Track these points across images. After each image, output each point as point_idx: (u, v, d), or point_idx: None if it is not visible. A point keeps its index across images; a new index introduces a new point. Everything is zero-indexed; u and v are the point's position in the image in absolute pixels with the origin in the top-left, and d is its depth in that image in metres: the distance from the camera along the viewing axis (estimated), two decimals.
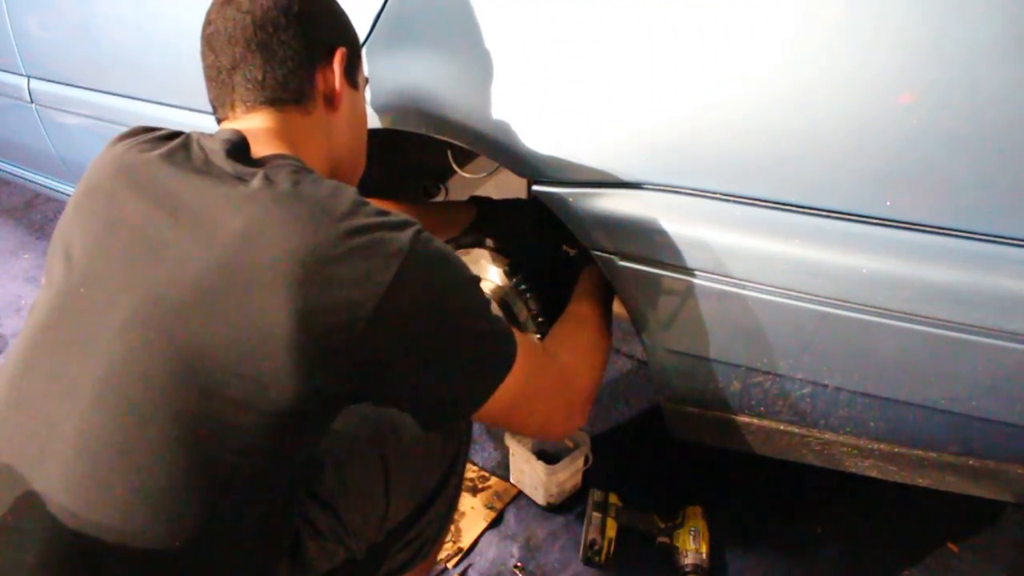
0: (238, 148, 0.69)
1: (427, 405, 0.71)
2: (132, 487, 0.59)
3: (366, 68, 0.96)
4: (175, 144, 0.70)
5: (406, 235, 0.64)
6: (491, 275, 1.13)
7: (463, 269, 0.69)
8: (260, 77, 0.74)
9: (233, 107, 0.76)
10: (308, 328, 0.59)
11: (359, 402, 0.69)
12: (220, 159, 0.66)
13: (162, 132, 0.73)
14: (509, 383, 0.71)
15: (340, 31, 0.82)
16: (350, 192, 0.65)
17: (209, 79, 0.78)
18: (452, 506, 0.96)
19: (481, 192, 1.32)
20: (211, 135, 0.71)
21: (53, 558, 0.59)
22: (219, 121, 0.79)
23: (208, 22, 0.77)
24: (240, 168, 0.65)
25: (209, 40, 0.76)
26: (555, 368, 0.81)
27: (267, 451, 0.63)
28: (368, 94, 0.97)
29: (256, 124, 0.74)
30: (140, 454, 0.59)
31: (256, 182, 0.63)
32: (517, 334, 0.74)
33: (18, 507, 0.60)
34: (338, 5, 0.84)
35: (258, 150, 0.71)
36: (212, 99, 0.79)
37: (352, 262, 0.60)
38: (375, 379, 0.65)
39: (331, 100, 0.79)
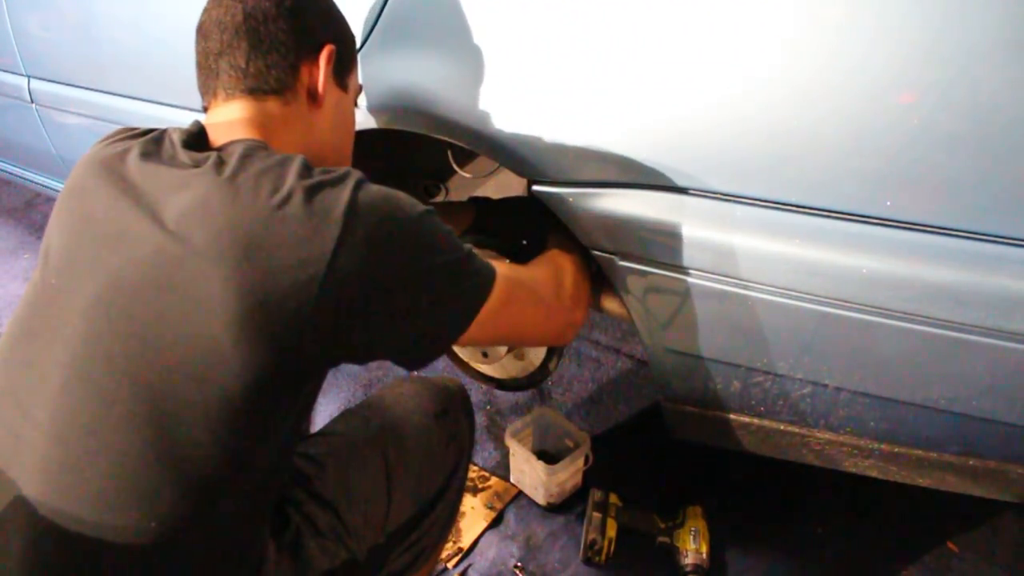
0: (194, 137, 0.72)
1: (406, 349, 0.71)
2: (102, 468, 0.60)
3: (366, 69, 0.96)
4: (148, 139, 0.72)
5: (347, 187, 0.64)
6: None
7: (413, 205, 0.69)
8: (244, 64, 0.75)
9: (216, 94, 0.77)
10: (257, 297, 0.60)
11: (335, 365, 0.70)
12: (180, 149, 0.69)
13: (139, 130, 0.76)
14: (488, 304, 0.72)
15: (332, 31, 0.83)
16: (296, 160, 0.66)
17: (198, 66, 0.79)
18: (454, 511, 0.96)
19: (481, 192, 1.32)
20: (181, 128, 0.73)
21: (35, 545, 0.59)
22: (205, 110, 0.80)
23: (204, 10, 0.79)
24: (195, 156, 0.68)
25: (202, 27, 0.78)
26: (529, 277, 0.82)
27: (236, 427, 0.63)
28: (364, 99, 0.97)
29: (234, 113, 0.76)
30: (108, 434, 0.60)
31: (207, 165, 0.66)
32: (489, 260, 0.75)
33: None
34: (335, 6, 0.84)
35: (226, 137, 0.72)
36: (199, 86, 0.80)
37: (295, 225, 0.61)
38: (345, 337, 0.65)
39: (314, 96, 0.80)
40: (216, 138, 0.73)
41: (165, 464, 0.61)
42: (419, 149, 1.12)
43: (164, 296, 0.61)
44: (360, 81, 0.92)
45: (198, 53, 0.79)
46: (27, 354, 0.66)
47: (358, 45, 0.96)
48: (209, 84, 0.78)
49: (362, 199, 0.65)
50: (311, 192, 0.63)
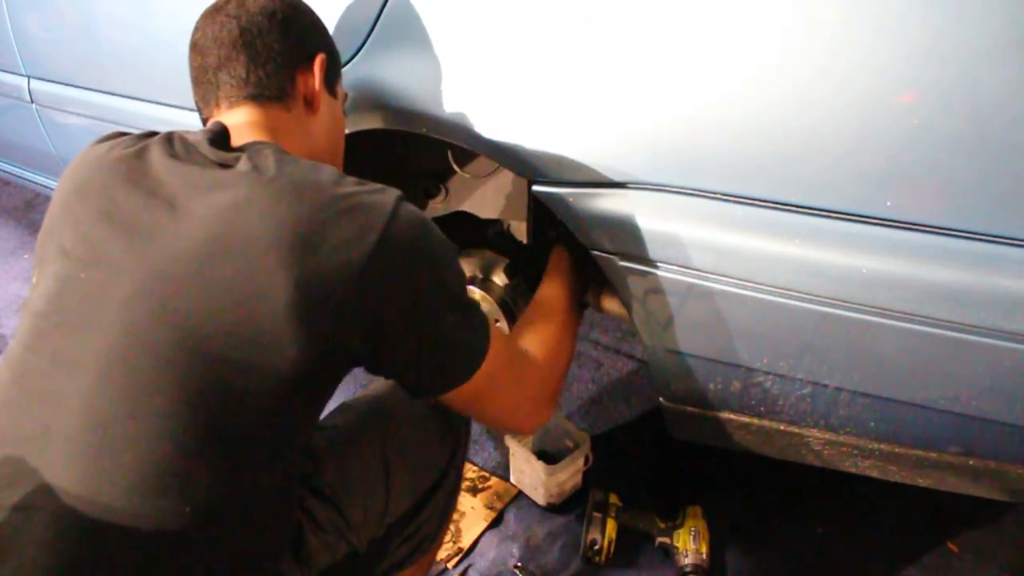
0: (219, 137, 0.73)
1: (415, 371, 0.73)
2: (141, 453, 0.61)
3: (366, 72, 0.96)
4: (156, 140, 0.73)
5: (389, 199, 0.68)
6: (492, 276, 1.13)
7: (443, 237, 0.72)
8: (244, 74, 0.79)
9: (218, 104, 0.80)
10: (303, 289, 0.62)
11: (357, 365, 0.72)
12: (204, 148, 0.70)
13: (139, 133, 0.77)
14: (482, 369, 0.74)
15: (320, 40, 0.87)
16: (328, 167, 0.70)
17: (195, 81, 0.82)
18: (451, 501, 0.97)
19: (480, 192, 1.32)
20: (193, 131, 0.74)
21: (61, 534, 0.59)
22: (204, 121, 0.82)
23: (196, 29, 0.82)
24: (222, 155, 0.70)
25: (196, 44, 0.81)
26: (525, 361, 0.84)
27: (275, 414, 0.65)
28: (364, 101, 0.98)
29: (239, 118, 0.78)
30: (148, 421, 0.61)
31: (241, 164, 0.68)
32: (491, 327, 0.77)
33: (23, 486, 0.61)
34: (319, 18, 0.88)
35: (240, 140, 0.75)
36: (198, 100, 0.83)
37: (340, 225, 0.64)
38: (367, 338, 0.67)
39: (310, 102, 0.84)
40: (232, 140, 0.75)
41: (205, 451, 0.62)
42: (419, 149, 1.12)
43: (208, 288, 0.63)
44: (345, 89, 0.95)
45: (194, 69, 0.81)
46: (57, 345, 0.65)
47: (356, 48, 0.97)
48: (209, 96, 0.80)
49: (402, 212, 0.67)
50: (353, 198, 0.66)
